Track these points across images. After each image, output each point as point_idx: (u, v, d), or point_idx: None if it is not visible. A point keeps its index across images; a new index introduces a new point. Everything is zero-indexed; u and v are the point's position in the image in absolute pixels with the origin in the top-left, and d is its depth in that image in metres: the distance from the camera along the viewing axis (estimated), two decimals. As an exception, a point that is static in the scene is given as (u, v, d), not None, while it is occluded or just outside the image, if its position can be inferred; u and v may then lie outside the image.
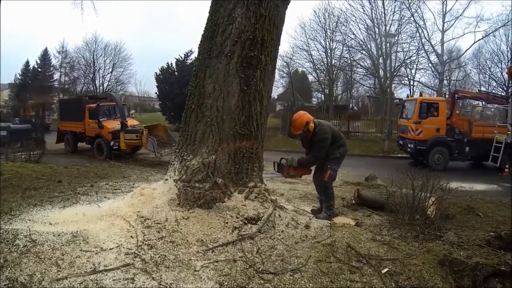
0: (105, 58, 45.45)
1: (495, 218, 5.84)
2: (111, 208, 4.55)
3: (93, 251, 3.50)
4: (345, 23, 34.15)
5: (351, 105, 41.79)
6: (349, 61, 35.43)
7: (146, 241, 3.71)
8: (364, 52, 34.40)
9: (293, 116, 5.93)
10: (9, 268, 3.11)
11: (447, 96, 18.19)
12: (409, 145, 16.34)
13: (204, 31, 4.71)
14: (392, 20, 32.89)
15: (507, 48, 32.08)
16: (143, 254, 3.49)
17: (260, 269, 3.43)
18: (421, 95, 19.13)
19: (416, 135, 15.92)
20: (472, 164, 17.00)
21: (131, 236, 3.79)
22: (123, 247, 3.59)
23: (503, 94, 26.87)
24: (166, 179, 4.66)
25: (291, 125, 5.81)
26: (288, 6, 4.99)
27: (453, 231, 4.81)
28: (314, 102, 44.01)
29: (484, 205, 6.74)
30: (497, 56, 33.07)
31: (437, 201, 5.36)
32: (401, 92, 37.87)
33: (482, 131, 16.00)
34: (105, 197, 5.71)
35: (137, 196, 4.61)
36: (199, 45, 4.77)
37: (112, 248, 3.57)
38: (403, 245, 4.16)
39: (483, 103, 20.59)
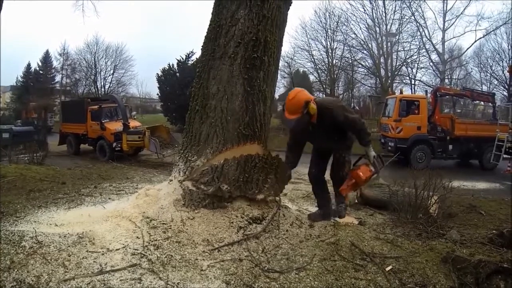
0: (107, 60, 45.48)
1: (497, 216, 5.86)
2: (116, 209, 4.58)
3: (100, 252, 3.53)
4: (346, 23, 34.37)
5: (352, 104, 41.61)
6: (350, 61, 35.53)
7: (152, 241, 3.74)
8: (365, 51, 34.60)
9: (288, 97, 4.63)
10: (16, 270, 3.13)
11: (428, 94, 18.06)
12: (389, 144, 16.20)
13: (207, 32, 4.73)
14: (393, 19, 33.12)
15: (508, 46, 32.00)
16: (149, 254, 3.52)
17: (266, 268, 3.46)
18: (401, 92, 19.02)
19: (396, 133, 15.84)
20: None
21: (137, 237, 3.82)
22: (130, 248, 3.62)
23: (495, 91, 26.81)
24: (171, 180, 4.68)
25: (285, 108, 4.59)
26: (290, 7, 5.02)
27: (456, 229, 4.83)
28: (315, 102, 43.82)
29: (486, 204, 6.75)
30: (498, 54, 32.90)
31: (439, 200, 5.38)
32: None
33: (465, 128, 15.92)
34: (109, 198, 5.73)
35: (142, 197, 4.63)
36: (202, 46, 4.79)
37: (119, 249, 3.60)
38: (406, 243, 4.18)
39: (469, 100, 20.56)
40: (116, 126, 16.76)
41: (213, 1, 4.75)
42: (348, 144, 5.04)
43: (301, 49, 36.20)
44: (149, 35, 78.58)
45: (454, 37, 33.93)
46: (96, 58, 44.92)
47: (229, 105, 4.41)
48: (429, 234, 4.59)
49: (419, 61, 34.01)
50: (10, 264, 3.19)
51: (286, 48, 37.28)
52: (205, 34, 4.77)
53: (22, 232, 3.75)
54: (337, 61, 35.73)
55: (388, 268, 3.51)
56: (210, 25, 4.69)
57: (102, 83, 45.51)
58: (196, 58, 29.71)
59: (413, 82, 34.95)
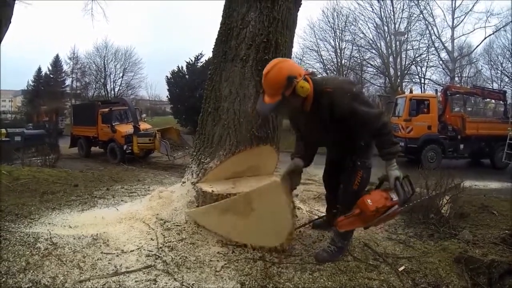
0: (116, 63, 46.00)
1: (510, 216, 5.80)
2: (129, 211, 4.62)
3: (114, 253, 3.58)
4: (354, 23, 34.36)
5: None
6: (359, 61, 35.42)
7: (166, 243, 3.78)
8: (373, 51, 34.52)
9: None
10: (31, 271, 3.17)
11: (438, 92, 17.93)
12: (400, 144, 16.03)
13: (218, 35, 4.74)
14: (401, 18, 33.03)
15: (518, 43, 31.73)
16: (164, 256, 3.56)
17: (280, 268, 3.46)
18: (411, 91, 18.91)
19: (406, 133, 15.66)
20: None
21: (151, 239, 3.85)
22: (144, 249, 3.66)
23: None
24: (184, 182, 4.69)
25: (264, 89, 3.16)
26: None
27: (468, 229, 4.80)
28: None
29: (498, 204, 6.68)
30: (509, 51, 32.54)
31: (451, 200, 5.35)
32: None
33: (476, 127, 15.79)
34: (122, 200, 5.76)
35: (156, 199, 4.66)
36: (213, 49, 4.81)
37: (133, 250, 3.64)
38: (418, 243, 4.18)
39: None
40: (126, 128, 16.89)
41: (224, 4, 4.76)
42: (364, 143, 3.48)
43: (310, 49, 36.24)
44: (158, 37, 79.34)
45: (463, 35, 33.88)
46: (105, 61, 45.51)
47: (241, 107, 4.42)
48: (441, 235, 4.57)
49: (428, 59, 33.90)
50: (25, 265, 3.24)
51: (295, 49, 36.96)
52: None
53: (37, 234, 3.81)
54: (346, 61, 35.68)
55: (401, 268, 3.52)
56: (220, 27, 4.71)
57: (112, 86, 46.04)
58: (205, 60, 29.89)
59: (422, 81, 34.79)
